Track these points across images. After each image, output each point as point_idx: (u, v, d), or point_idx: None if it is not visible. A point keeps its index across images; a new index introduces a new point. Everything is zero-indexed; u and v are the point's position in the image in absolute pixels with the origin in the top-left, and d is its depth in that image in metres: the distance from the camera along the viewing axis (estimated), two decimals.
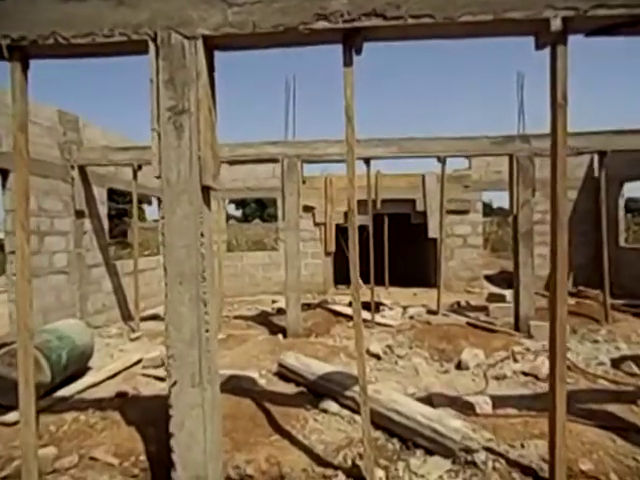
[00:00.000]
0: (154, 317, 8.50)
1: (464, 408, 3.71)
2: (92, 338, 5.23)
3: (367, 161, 6.87)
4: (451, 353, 5.37)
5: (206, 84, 2.53)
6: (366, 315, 7.41)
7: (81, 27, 2.49)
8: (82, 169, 7.11)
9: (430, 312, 7.92)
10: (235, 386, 4.10)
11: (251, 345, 5.80)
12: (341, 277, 12.31)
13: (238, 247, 22.59)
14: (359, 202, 9.85)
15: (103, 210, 7.88)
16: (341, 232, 11.93)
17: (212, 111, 2.62)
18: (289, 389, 4.35)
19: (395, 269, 12.09)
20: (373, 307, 7.05)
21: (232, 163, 6.98)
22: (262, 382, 4.52)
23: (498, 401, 3.84)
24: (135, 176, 7.08)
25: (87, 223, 7.36)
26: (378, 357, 5.26)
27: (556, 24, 2.19)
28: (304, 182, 6.95)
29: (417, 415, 3.13)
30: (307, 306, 8.50)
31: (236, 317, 8.30)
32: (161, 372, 5.02)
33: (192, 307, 2.49)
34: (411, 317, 7.45)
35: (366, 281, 12.72)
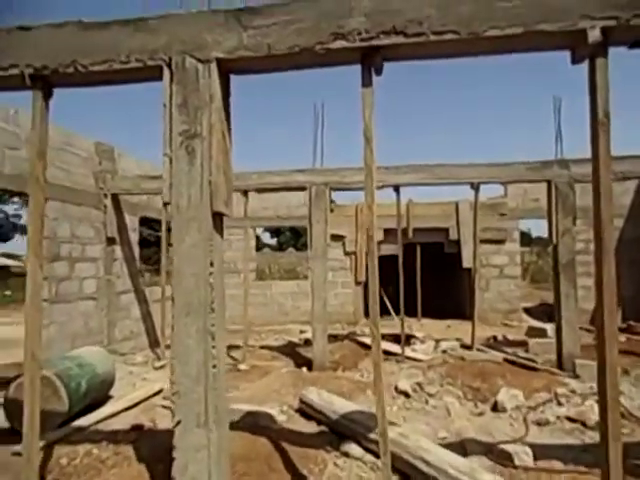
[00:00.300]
0: None
1: (501, 458, 3.34)
2: (113, 366, 5.17)
3: (396, 188, 6.69)
4: (486, 393, 4.97)
5: (220, 108, 2.46)
6: (396, 348, 7.09)
7: (100, 54, 2.49)
8: (115, 197, 7.27)
9: (464, 346, 7.48)
10: (252, 423, 3.89)
11: (274, 378, 5.59)
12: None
13: (270, 275, 22.69)
14: (390, 231, 9.62)
15: (134, 237, 8.00)
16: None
17: (226, 135, 2.54)
18: (310, 428, 4.09)
19: (428, 300, 11.67)
20: (403, 340, 6.72)
21: (260, 191, 6.97)
22: (282, 419, 4.28)
23: (540, 451, 3.45)
24: (165, 204, 7.15)
25: (118, 250, 7.47)
26: (407, 395, 4.93)
27: (594, 35, 2.00)
28: (332, 210, 6.84)
29: (446, 466, 2.82)
30: (335, 337, 8.25)
31: (262, 347, 8.13)
32: None
33: (199, 340, 2.34)
34: (444, 351, 7.05)
35: (398, 312, 12.38)
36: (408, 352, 6.76)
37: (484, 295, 10.73)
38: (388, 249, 11.27)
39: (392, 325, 10.85)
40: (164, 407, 4.85)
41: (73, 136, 6.60)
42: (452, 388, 5.17)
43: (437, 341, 7.69)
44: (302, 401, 4.45)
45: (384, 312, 12.10)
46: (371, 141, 2.48)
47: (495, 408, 4.56)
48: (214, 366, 2.36)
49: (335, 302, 10.74)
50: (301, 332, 9.52)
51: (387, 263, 13.96)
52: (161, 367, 6.63)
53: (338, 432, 3.83)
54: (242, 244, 11.17)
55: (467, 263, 10.71)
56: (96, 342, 6.79)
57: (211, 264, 2.38)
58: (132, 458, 3.48)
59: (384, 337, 8.30)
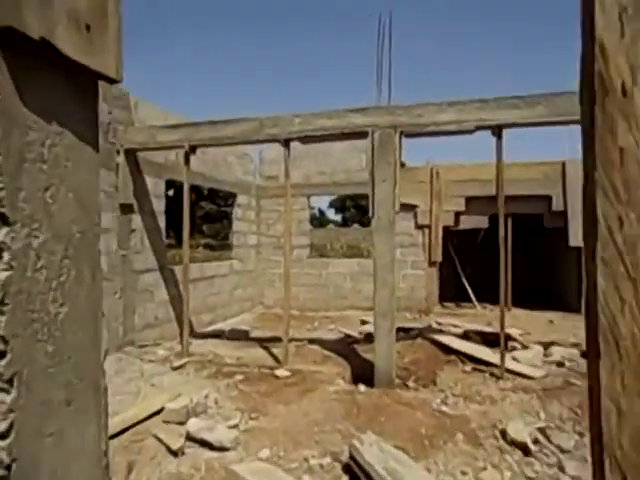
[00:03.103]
0: (216, 335, 7.09)
1: None
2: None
3: (498, 130, 4.64)
4: None
5: None
6: (491, 356, 5.17)
7: None
8: (131, 155, 5.88)
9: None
10: None
11: (317, 401, 3.94)
12: (449, 292, 9.99)
13: (333, 253, 21.12)
14: (472, 200, 7.51)
15: (159, 205, 6.64)
16: (450, 237, 9.62)
17: None
18: None
19: (520, 285, 9.44)
20: (503, 345, 4.76)
21: (305, 141, 5.24)
22: None
23: None
24: (187, 160, 5.66)
25: (137, 220, 6.13)
26: (525, 450, 3.07)
27: None
28: (403, 165, 4.96)
29: None
30: (404, 332, 6.45)
31: (312, 341, 6.52)
32: (180, 431, 3.39)
33: None
34: (560, 364, 5.01)
35: (481, 298, 10.23)
36: (509, 363, 4.80)
37: None
38: (469, 222, 9.14)
39: (473, 316, 8.82)
40: (158, 439, 3.38)
41: None
42: None
43: (545, 346, 5.62)
44: (352, 457, 2.76)
45: (462, 298, 10.03)
46: None
47: None
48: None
49: (404, 285, 8.89)
50: (362, 322, 7.80)
51: (466, 239, 11.75)
52: (180, 367, 5.24)
53: None
54: (296, 215, 9.58)
55: (576, 240, 8.33)
56: (109, 333, 5.53)
57: None
58: None
59: (468, 335, 6.36)
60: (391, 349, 4.82)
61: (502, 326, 4.78)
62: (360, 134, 4.96)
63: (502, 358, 4.67)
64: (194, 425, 3.38)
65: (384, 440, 2.99)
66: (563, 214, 8.42)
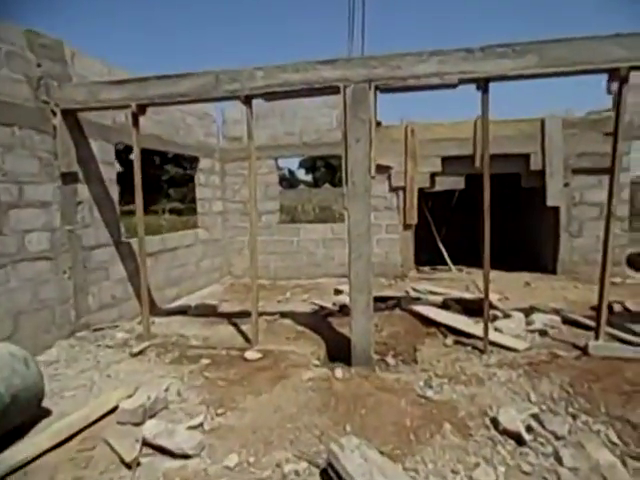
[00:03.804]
0: (182, 311, 6.63)
1: None
2: (34, 372, 3.28)
3: (484, 83, 4.16)
4: None
5: None
6: (471, 326, 4.93)
7: None
8: (71, 116, 5.14)
9: (569, 322, 5.22)
10: None
11: (290, 390, 3.58)
12: (424, 256, 9.75)
13: (304, 214, 20.61)
14: (449, 160, 7.13)
15: (110, 172, 5.95)
16: (425, 199, 9.28)
17: None
18: None
19: (496, 246, 9.26)
20: (487, 314, 4.48)
21: (269, 97, 4.63)
22: None
23: None
24: (136, 122, 4.97)
25: (84, 190, 5.47)
26: (519, 440, 2.80)
27: None
28: (379, 124, 4.46)
29: None
30: (381, 302, 6.15)
31: (284, 315, 6.16)
32: (136, 436, 2.98)
33: None
34: (543, 332, 4.82)
35: (456, 261, 10.05)
36: (492, 335, 4.56)
37: (574, 242, 8.22)
38: (445, 183, 8.79)
39: (450, 280, 8.64)
40: (110, 447, 2.96)
41: None
42: (593, 422, 3.00)
43: (526, 313, 5.42)
44: (331, 465, 2.42)
45: (438, 261, 9.83)
46: None
47: None
48: None
49: (378, 250, 8.56)
50: (336, 292, 7.49)
51: (441, 200, 11.46)
52: (140, 352, 4.78)
53: None
54: (263, 179, 9.00)
55: (553, 200, 8.14)
56: (54, 317, 4.99)
57: None
58: None
59: (447, 305, 6.12)
60: (369, 325, 4.49)
61: (486, 295, 4.50)
62: (331, 89, 4.39)
63: (485, 331, 4.42)
64: (151, 429, 2.97)
65: (366, 440, 2.66)
66: (541, 173, 8.15)
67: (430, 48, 4.12)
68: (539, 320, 5.09)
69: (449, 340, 4.78)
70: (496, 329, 4.88)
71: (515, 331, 4.81)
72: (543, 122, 8.04)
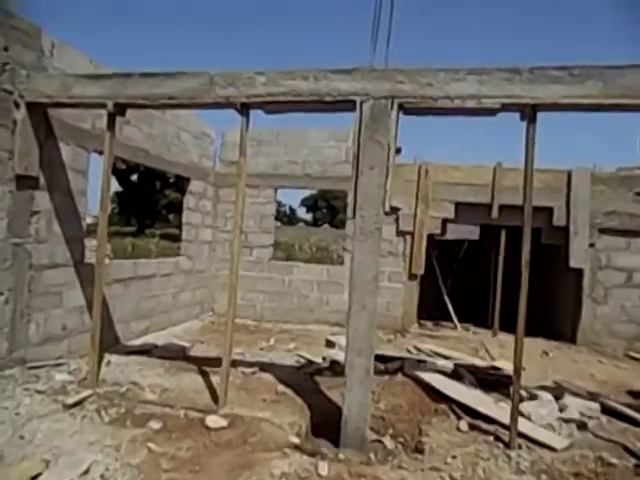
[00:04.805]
0: (145, 351, 5.65)
1: None
2: None
3: (532, 112, 3.41)
4: None
5: None
6: (492, 409, 3.97)
7: None
8: (38, 112, 4.39)
9: (608, 411, 4.26)
10: None
11: None
12: (427, 309, 8.84)
13: (301, 252, 19.79)
14: (463, 206, 6.30)
15: (79, 183, 5.15)
16: (432, 246, 8.47)
17: None
18: None
19: (509, 308, 8.38)
20: (517, 400, 3.53)
21: (270, 108, 3.89)
22: None
23: None
24: (112, 124, 4.21)
25: (43, 199, 4.64)
26: None
27: None
28: (399, 151, 3.71)
29: None
30: (380, 362, 5.21)
31: (265, 367, 5.19)
32: None
33: None
34: (581, 425, 3.86)
35: (464, 318, 9.08)
36: (522, 424, 3.58)
37: (598, 310, 7.35)
38: (458, 231, 8.02)
39: (456, 340, 7.69)
40: None
41: None
42: None
43: (556, 396, 4.46)
44: None
45: (442, 316, 8.90)
46: None
47: None
48: None
49: (379, 300, 7.61)
50: (327, 343, 6.53)
51: (447, 250, 10.61)
52: (76, 405, 3.79)
53: None
54: (259, 209, 8.22)
55: (577, 261, 7.34)
56: None
57: None
58: None
59: (459, 374, 5.17)
60: (366, 398, 3.56)
61: (517, 372, 3.57)
62: (344, 104, 3.66)
63: (514, 419, 3.46)
64: None
65: None
66: (564, 230, 7.40)
67: (469, 65, 3.41)
68: (574, 406, 4.14)
69: (463, 424, 3.81)
70: (521, 414, 3.92)
71: (546, 419, 3.86)
72: (570, 175, 7.37)
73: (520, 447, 3.37)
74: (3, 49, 4.11)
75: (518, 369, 3.54)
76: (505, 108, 3.40)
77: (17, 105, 4.23)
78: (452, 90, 3.43)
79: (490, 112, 3.48)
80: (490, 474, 2.95)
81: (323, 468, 2.77)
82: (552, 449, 3.35)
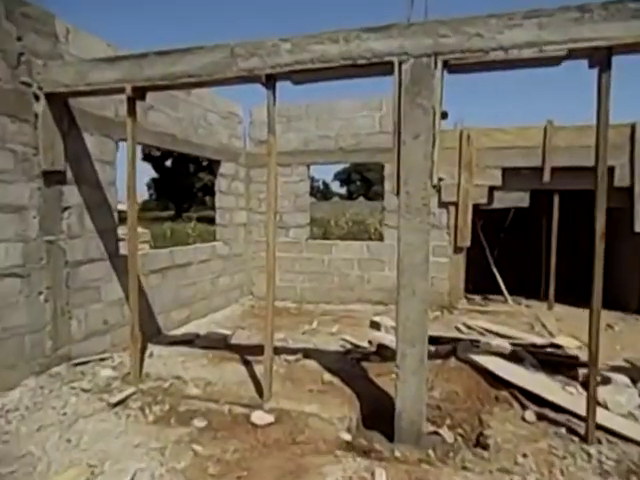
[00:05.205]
0: (188, 341, 5.57)
1: None
2: None
3: (607, 56, 2.90)
4: None
5: None
6: (562, 397, 3.59)
7: None
8: (58, 102, 4.22)
9: None
10: None
11: None
12: (475, 283, 8.38)
13: (337, 228, 19.44)
14: (511, 171, 5.77)
15: (108, 174, 5.00)
16: (478, 217, 7.94)
17: None
18: None
19: (564, 276, 7.81)
20: (594, 387, 3.14)
21: (296, 78, 3.53)
22: None
23: None
24: (132, 109, 3.98)
25: (73, 194, 4.52)
26: None
27: None
28: (445, 116, 3.28)
29: None
30: (430, 343, 4.88)
31: (309, 354, 4.99)
32: None
33: None
34: None
35: (514, 291, 8.52)
36: (601, 415, 3.20)
37: None
38: (506, 199, 7.45)
39: (507, 314, 7.24)
40: None
41: None
42: None
43: (630, 375, 4.03)
44: None
45: (490, 289, 8.43)
46: None
47: None
48: None
49: None
50: (372, 324, 6.25)
51: (493, 219, 9.95)
52: (120, 403, 3.71)
53: None
54: (293, 188, 7.94)
55: None
56: (27, 349, 4.01)
57: None
58: None
59: (519, 356, 4.78)
60: (421, 390, 3.27)
61: (593, 361, 3.17)
62: (380, 66, 3.25)
63: (592, 411, 3.08)
64: None
65: None
66: (628, 191, 6.71)
67: (525, 8, 2.92)
68: None
69: (530, 414, 3.47)
70: (597, 402, 3.52)
71: (625, 407, 3.45)
72: (634, 128, 6.62)
73: (600, 441, 3.01)
74: (17, 39, 3.92)
75: (594, 353, 3.14)
76: (572, 55, 2.90)
77: (37, 97, 4.06)
78: (506, 39, 2.95)
79: (553, 61, 2.99)
80: (570, 477, 2.62)
81: (380, 475, 2.52)
82: (638, 443, 2.97)
